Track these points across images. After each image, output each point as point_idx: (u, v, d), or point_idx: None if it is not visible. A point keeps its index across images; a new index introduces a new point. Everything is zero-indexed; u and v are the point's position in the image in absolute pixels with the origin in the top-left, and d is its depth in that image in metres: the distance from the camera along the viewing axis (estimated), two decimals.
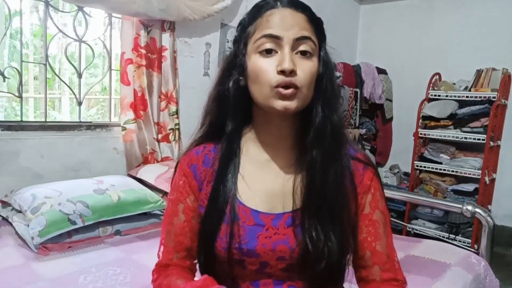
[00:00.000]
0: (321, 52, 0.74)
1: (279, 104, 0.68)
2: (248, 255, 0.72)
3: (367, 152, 3.72)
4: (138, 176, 2.14)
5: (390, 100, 3.94)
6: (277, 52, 0.69)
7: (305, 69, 0.69)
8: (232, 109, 0.75)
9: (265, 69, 0.69)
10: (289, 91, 0.67)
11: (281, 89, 0.68)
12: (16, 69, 1.94)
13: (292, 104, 0.68)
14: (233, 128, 0.76)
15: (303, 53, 0.69)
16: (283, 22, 0.69)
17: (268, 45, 0.69)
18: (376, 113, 3.94)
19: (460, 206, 1.82)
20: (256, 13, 0.73)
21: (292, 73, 0.67)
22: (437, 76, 3.60)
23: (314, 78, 0.71)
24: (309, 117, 0.73)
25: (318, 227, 0.70)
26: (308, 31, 0.70)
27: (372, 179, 0.76)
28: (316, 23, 0.73)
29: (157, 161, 2.36)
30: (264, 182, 0.76)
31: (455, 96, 3.38)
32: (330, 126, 0.72)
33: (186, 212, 0.77)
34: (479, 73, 3.33)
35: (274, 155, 0.77)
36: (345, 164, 0.74)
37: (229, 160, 0.76)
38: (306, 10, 0.72)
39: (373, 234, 0.75)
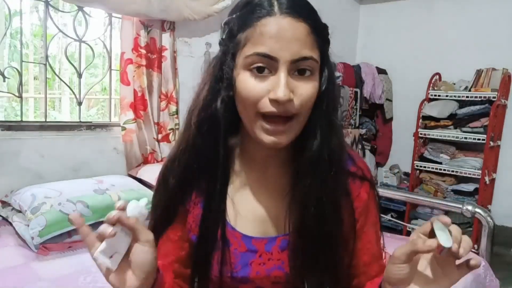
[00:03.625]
0: (325, 67, 0.64)
1: (266, 139, 0.60)
2: (241, 282, 0.68)
3: (367, 152, 3.72)
4: (138, 176, 2.14)
5: (390, 100, 3.94)
6: (270, 72, 0.59)
7: (303, 93, 0.59)
8: (222, 131, 0.65)
9: (255, 93, 0.59)
10: (280, 127, 0.60)
11: (267, 125, 0.59)
12: (16, 69, 1.94)
13: (282, 140, 0.61)
14: (223, 149, 0.66)
15: (302, 72, 0.60)
16: (280, 38, 0.57)
17: (260, 65, 0.59)
18: (376, 113, 3.94)
19: (460, 206, 1.82)
20: (247, 18, 0.60)
21: (288, 102, 0.58)
22: (437, 76, 3.60)
23: (313, 100, 0.62)
24: (305, 136, 0.64)
25: (310, 270, 0.65)
26: (310, 47, 0.59)
27: (369, 192, 0.72)
28: (320, 32, 0.62)
29: (157, 161, 2.36)
30: (254, 204, 0.70)
31: (455, 96, 3.38)
32: (328, 151, 0.65)
33: (173, 233, 0.72)
34: (479, 73, 3.33)
35: (263, 174, 0.70)
36: (342, 183, 0.69)
37: (216, 181, 0.67)
38: (309, 18, 0.60)
39: (368, 246, 0.71)
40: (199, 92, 0.68)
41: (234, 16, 0.63)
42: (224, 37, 0.65)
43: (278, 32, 0.58)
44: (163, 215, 0.72)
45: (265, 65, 0.59)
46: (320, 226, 0.65)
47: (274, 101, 0.58)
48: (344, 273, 0.69)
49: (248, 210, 0.70)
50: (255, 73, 0.59)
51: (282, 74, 0.58)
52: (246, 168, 0.71)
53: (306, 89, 0.60)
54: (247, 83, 0.60)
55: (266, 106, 0.59)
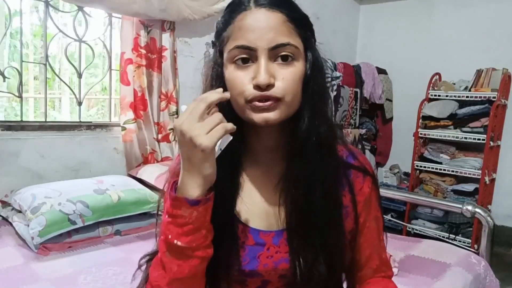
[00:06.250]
0: (308, 53, 0.67)
1: (258, 116, 0.63)
2: (249, 275, 0.69)
3: (367, 152, 3.72)
4: (138, 176, 2.14)
5: (390, 100, 3.94)
6: (253, 62, 0.63)
7: (286, 77, 0.63)
8: None
9: (239, 82, 0.63)
10: (267, 103, 0.62)
11: (257, 103, 0.62)
12: (16, 69, 1.94)
13: (272, 115, 0.63)
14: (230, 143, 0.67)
15: (284, 59, 0.63)
16: (256, 29, 0.62)
17: (242, 57, 0.63)
18: (376, 113, 3.94)
19: (460, 206, 1.82)
20: (228, 17, 0.66)
21: (269, 86, 0.61)
22: (437, 76, 3.60)
23: (300, 83, 0.65)
24: (297, 125, 0.67)
25: (306, 248, 0.67)
26: (286, 34, 0.63)
27: (371, 187, 0.74)
28: (298, 20, 0.65)
29: (157, 161, 2.36)
30: (259, 197, 0.72)
31: (455, 96, 3.38)
32: (316, 136, 0.67)
33: None
34: (479, 73, 3.33)
35: (268, 168, 0.72)
36: (340, 175, 0.71)
37: (224, 176, 0.67)
38: (283, 8, 0.63)
39: (368, 239, 0.74)
40: (202, 92, 0.71)
41: (219, 18, 0.69)
42: (213, 38, 0.70)
43: (253, 24, 0.62)
44: None
45: (246, 56, 0.63)
46: (311, 209, 0.67)
47: (256, 87, 0.62)
48: (340, 259, 0.70)
49: (255, 204, 0.71)
50: (239, 65, 0.64)
51: (262, 61, 0.62)
52: (251, 165, 0.73)
53: (288, 73, 0.63)
54: (233, 75, 0.64)
55: (251, 93, 0.62)
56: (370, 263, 0.75)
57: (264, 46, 0.61)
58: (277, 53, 0.63)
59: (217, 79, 0.68)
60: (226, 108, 0.66)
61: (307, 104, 0.67)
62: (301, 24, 0.66)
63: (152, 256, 0.72)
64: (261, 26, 0.62)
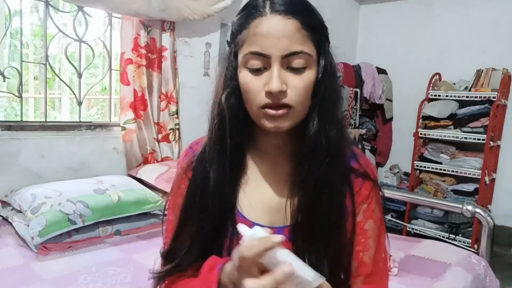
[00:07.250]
0: (321, 59, 0.67)
1: (269, 124, 0.65)
2: None
3: (367, 152, 3.72)
4: (138, 176, 2.14)
5: (390, 100, 3.94)
6: (265, 68, 0.64)
7: (297, 85, 0.64)
8: (229, 123, 0.69)
9: (252, 87, 0.65)
10: (280, 111, 0.64)
11: (269, 110, 0.64)
12: (16, 69, 1.94)
13: (282, 124, 0.65)
14: (235, 140, 0.70)
15: (297, 65, 0.64)
16: (270, 36, 0.62)
17: (256, 62, 0.64)
18: (376, 113, 3.94)
19: (460, 206, 1.82)
20: (243, 21, 0.66)
21: (281, 93, 0.63)
22: (437, 76, 3.60)
23: (310, 91, 0.66)
24: (306, 127, 0.68)
25: (310, 249, 0.67)
26: (300, 42, 0.63)
27: (370, 189, 0.74)
28: (313, 26, 0.65)
29: (157, 161, 2.36)
30: (263, 194, 0.73)
31: (455, 96, 3.38)
32: (326, 140, 0.67)
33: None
34: (479, 73, 3.33)
35: (274, 165, 0.74)
36: (343, 177, 0.71)
37: (228, 170, 0.71)
38: (299, 15, 0.64)
39: (362, 244, 0.72)
40: (215, 89, 0.73)
41: (235, 19, 0.69)
42: (228, 38, 0.71)
43: (268, 31, 0.63)
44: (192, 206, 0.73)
45: (259, 62, 0.64)
46: (317, 210, 0.68)
47: (268, 93, 0.63)
48: (341, 260, 0.70)
49: (258, 200, 0.73)
50: (252, 70, 0.65)
51: (275, 68, 0.63)
52: (257, 161, 0.75)
53: (299, 81, 0.64)
54: (246, 79, 0.66)
55: (263, 99, 0.64)
56: (362, 268, 0.72)
57: (277, 54, 0.63)
58: (290, 61, 0.63)
59: (231, 80, 0.69)
60: (239, 108, 0.68)
61: (316, 108, 0.67)
62: (316, 30, 0.66)
63: (165, 275, 0.73)
64: (276, 33, 0.63)
